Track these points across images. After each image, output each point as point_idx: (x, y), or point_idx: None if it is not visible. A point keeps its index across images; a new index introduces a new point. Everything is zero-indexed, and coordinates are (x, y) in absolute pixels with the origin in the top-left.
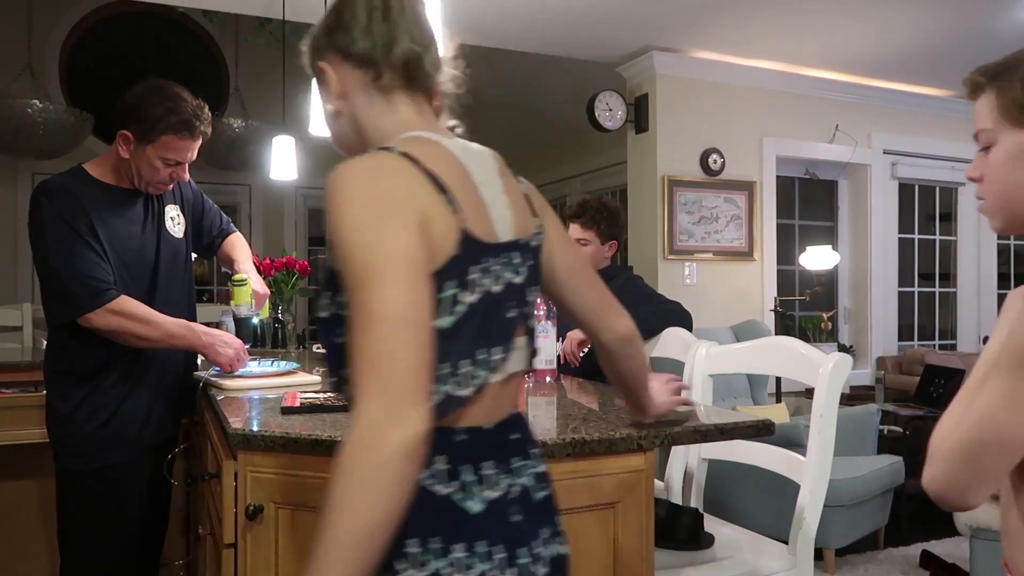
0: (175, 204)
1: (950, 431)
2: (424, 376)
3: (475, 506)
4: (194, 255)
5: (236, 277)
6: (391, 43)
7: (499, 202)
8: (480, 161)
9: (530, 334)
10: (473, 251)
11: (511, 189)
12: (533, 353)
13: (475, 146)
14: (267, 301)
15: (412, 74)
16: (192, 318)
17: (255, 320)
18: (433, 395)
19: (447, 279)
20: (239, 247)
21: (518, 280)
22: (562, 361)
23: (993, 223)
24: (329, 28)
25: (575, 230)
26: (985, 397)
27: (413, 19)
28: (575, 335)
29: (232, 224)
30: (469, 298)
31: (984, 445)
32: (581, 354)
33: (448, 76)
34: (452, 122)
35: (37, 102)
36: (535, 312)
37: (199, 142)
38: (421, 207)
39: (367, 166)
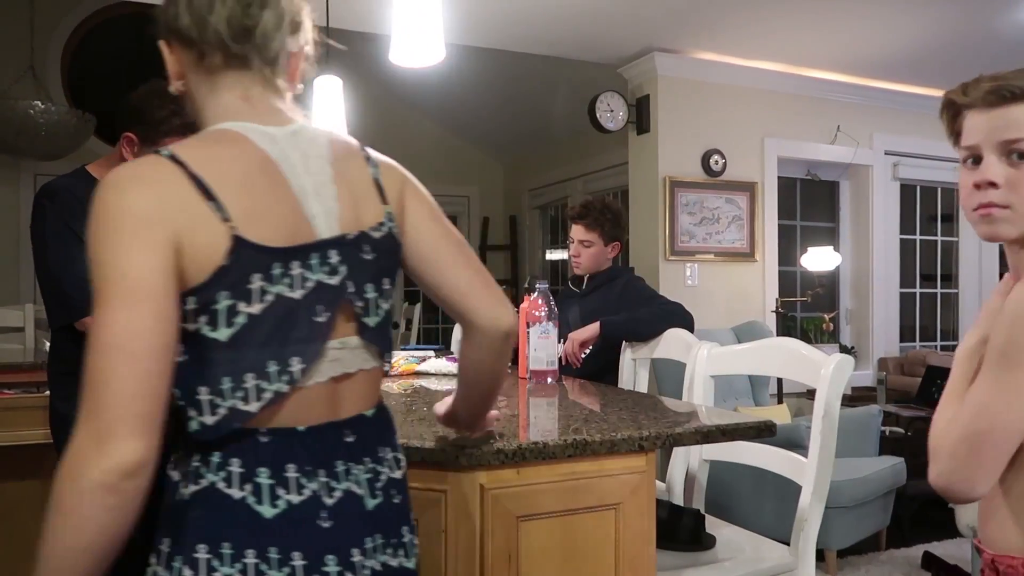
0: None
1: (948, 427)
2: (143, 405)
3: (268, 510)
4: None
5: None
6: (205, 19)
7: (324, 193)
8: (307, 149)
9: (363, 331)
10: (254, 259)
11: (347, 177)
12: (382, 351)
13: (310, 132)
14: None
15: (233, 53)
16: None
17: None
18: (218, 409)
19: (219, 290)
20: None
21: (333, 280)
22: (563, 362)
23: (1008, 229)
24: (165, 2)
25: (578, 231)
26: (977, 392)
27: None
28: (577, 336)
29: None
30: (250, 308)
31: (983, 436)
32: (583, 355)
33: (300, 52)
34: (287, 105)
35: (39, 103)
36: (381, 305)
37: None
38: (174, 221)
39: (121, 177)
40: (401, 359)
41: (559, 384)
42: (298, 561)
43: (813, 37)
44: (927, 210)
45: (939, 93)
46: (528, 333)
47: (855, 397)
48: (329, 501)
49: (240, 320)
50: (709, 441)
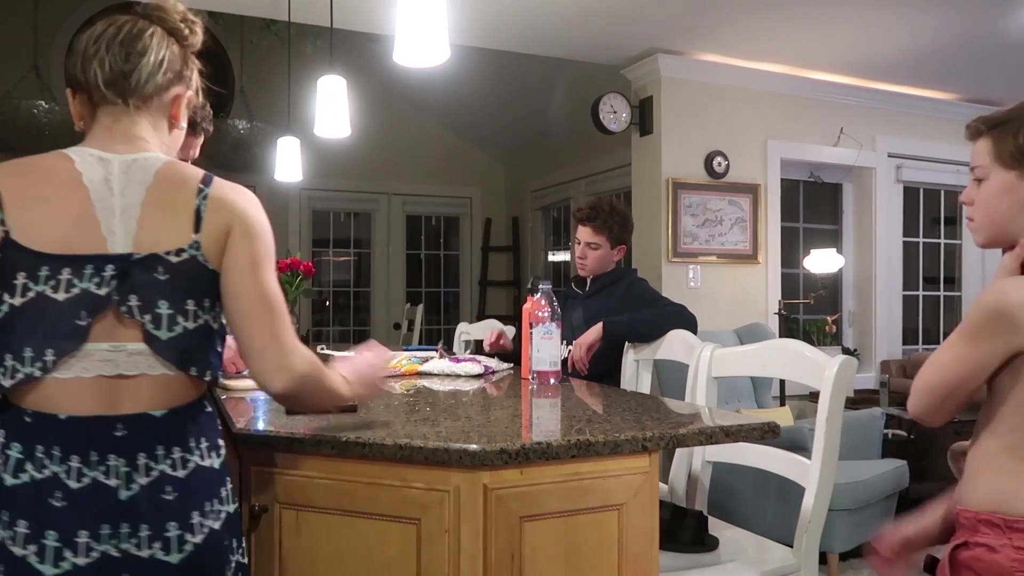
0: None
1: (923, 373)
2: None
3: (10, 480)
4: None
5: None
6: (90, 63)
7: (130, 215)
8: (134, 176)
9: (152, 342)
10: (20, 259)
11: (162, 204)
12: (182, 364)
13: (148, 161)
14: None
15: (108, 91)
16: None
17: None
18: None
19: None
20: None
21: (101, 291)
22: (570, 369)
23: (977, 237)
24: (67, 56)
25: (586, 234)
26: (947, 352)
27: (125, 42)
28: (583, 341)
29: None
30: (12, 300)
31: (943, 386)
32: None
33: (183, 96)
34: (152, 137)
35: (43, 103)
36: (179, 322)
37: (201, 139)
38: None
39: None
40: (404, 359)
41: (562, 385)
42: (22, 529)
43: (816, 39)
44: (930, 213)
45: (943, 95)
46: (531, 334)
47: (858, 400)
48: (74, 485)
49: (3, 309)
50: (712, 442)
